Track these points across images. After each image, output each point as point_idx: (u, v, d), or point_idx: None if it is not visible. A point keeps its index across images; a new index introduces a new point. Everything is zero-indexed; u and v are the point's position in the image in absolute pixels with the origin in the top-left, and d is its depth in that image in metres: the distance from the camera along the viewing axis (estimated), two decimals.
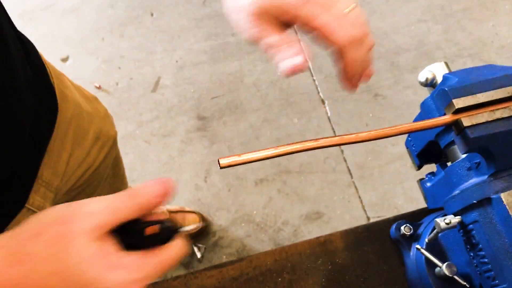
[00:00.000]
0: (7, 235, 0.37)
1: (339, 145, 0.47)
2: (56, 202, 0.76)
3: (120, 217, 0.37)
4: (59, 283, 0.35)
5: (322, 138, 0.47)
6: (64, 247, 0.35)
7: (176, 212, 1.57)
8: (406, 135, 0.66)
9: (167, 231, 0.38)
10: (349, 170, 1.71)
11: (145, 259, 0.37)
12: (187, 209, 1.61)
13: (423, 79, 0.60)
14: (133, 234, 0.38)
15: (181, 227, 0.40)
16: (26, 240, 0.36)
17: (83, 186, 0.86)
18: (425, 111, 0.57)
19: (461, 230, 0.54)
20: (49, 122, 0.66)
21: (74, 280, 0.35)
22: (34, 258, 0.35)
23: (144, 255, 0.37)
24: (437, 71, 0.59)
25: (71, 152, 0.73)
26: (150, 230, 0.37)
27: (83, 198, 0.94)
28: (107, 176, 0.95)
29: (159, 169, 1.75)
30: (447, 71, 0.59)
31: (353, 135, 0.47)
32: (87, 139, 0.78)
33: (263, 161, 0.47)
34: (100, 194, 0.98)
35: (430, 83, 0.60)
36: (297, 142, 0.46)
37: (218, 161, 0.40)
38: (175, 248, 0.39)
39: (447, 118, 0.50)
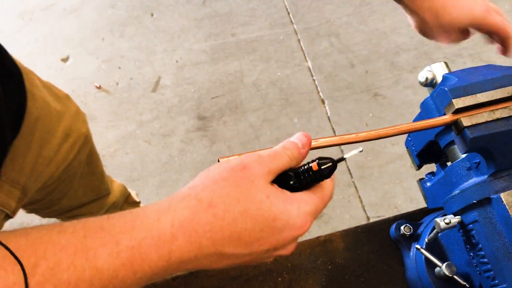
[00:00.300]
0: (186, 189, 0.39)
1: (339, 145, 0.47)
2: (29, 199, 0.77)
3: (282, 166, 0.41)
4: (248, 220, 0.37)
5: (322, 138, 0.47)
6: (248, 187, 0.38)
7: None
8: (406, 135, 0.66)
9: (327, 164, 0.41)
10: (349, 170, 1.71)
11: (312, 194, 0.41)
12: None
13: (423, 79, 0.60)
14: (290, 178, 0.42)
15: (340, 158, 0.42)
16: (214, 185, 0.38)
17: (56, 183, 0.86)
18: (425, 111, 0.57)
19: (461, 230, 0.54)
20: (15, 122, 0.66)
21: (261, 216, 0.38)
22: (226, 199, 0.37)
23: (309, 191, 0.42)
24: (437, 71, 0.60)
25: (39, 150, 0.73)
26: (314, 167, 0.41)
27: (57, 194, 0.94)
28: (82, 173, 0.95)
29: (159, 169, 1.75)
30: (447, 71, 0.59)
31: (352, 135, 0.48)
32: (56, 137, 0.79)
33: None
34: (77, 192, 0.98)
35: (430, 83, 0.60)
36: None
37: (218, 160, 0.42)
38: (329, 182, 0.43)
39: (447, 118, 0.50)
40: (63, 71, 1.99)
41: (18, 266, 0.31)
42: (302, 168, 0.42)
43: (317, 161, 0.42)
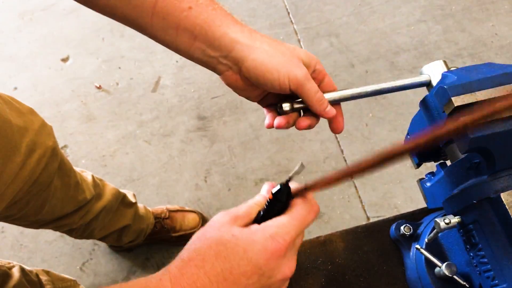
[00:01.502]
0: (191, 269, 0.43)
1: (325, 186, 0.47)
2: None
3: (251, 209, 0.47)
4: (223, 260, 0.42)
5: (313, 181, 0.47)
6: (215, 234, 0.43)
7: (176, 211, 1.57)
8: (406, 134, 0.66)
9: (277, 189, 0.46)
10: None
11: (279, 217, 0.45)
12: (187, 208, 1.61)
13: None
14: (259, 213, 0.47)
15: (287, 179, 0.47)
16: (190, 245, 0.44)
17: (27, 197, 0.86)
18: (424, 109, 0.57)
19: (461, 230, 0.54)
20: None
21: (231, 253, 0.42)
22: (201, 250, 0.43)
23: (278, 216, 0.45)
24: (436, 69, 0.59)
25: (2, 168, 0.73)
26: (270, 197, 0.46)
27: (32, 209, 0.93)
28: (56, 187, 0.95)
29: (159, 169, 1.75)
30: (445, 70, 0.59)
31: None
32: (19, 153, 0.78)
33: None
34: (55, 206, 0.97)
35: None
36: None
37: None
38: (298, 201, 0.46)
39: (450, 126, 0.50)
40: (63, 71, 1.99)
41: None
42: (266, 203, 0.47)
43: (272, 190, 0.46)
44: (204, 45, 0.51)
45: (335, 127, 0.58)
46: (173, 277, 0.42)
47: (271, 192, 0.46)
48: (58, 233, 1.58)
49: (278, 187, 0.46)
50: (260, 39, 0.52)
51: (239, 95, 0.57)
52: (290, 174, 0.46)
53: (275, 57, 0.51)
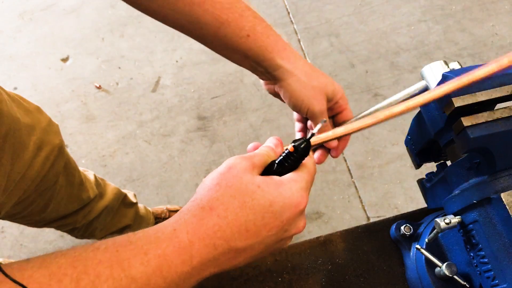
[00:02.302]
0: (189, 203, 0.43)
1: (335, 138, 0.53)
2: (6, 213, 0.76)
3: (263, 160, 0.46)
4: (248, 212, 0.41)
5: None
6: (239, 183, 0.42)
7: (176, 211, 1.57)
8: (406, 134, 0.66)
9: (300, 145, 0.46)
10: (349, 170, 1.71)
11: (299, 172, 0.46)
12: None
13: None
14: (274, 166, 0.47)
15: (311, 135, 0.46)
16: (210, 192, 0.43)
17: (33, 196, 0.86)
18: (425, 110, 0.57)
19: (461, 230, 0.54)
20: None
21: (258, 205, 0.41)
22: (223, 199, 0.42)
23: (295, 171, 0.46)
24: (436, 69, 0.59)
25: (11, 166, 0.73)
26: (291, 149, 0.46)
27: (37, 207, 0.93)
28: (61, 186, 0.95)
29: (159, 169, 1.75)
30: (446, 70, 0.59)
31: (342, 128, 0.53)
32: (28, 151, 0.79)
33: None
34: (59, 204, 0.97)
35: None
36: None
37: None
38: (309, 159, 0.48)
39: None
40: (63, 71, 1.99)
41: None
42: (282, 155, 0.47)
43: (292, 143, 0.46)
44: (254, 64, 0.60)
45: (333, 154, 0.64)
46: (191, 228, 0.40)
47: (293, 145, 0.46)
48: (58, 233, 1.58)
49: (301, 140, 0.46)
50: (301, 67, 0.59)
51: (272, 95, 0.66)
52: (314, 130, 0.47)
53: (305, 89, 0.59)
